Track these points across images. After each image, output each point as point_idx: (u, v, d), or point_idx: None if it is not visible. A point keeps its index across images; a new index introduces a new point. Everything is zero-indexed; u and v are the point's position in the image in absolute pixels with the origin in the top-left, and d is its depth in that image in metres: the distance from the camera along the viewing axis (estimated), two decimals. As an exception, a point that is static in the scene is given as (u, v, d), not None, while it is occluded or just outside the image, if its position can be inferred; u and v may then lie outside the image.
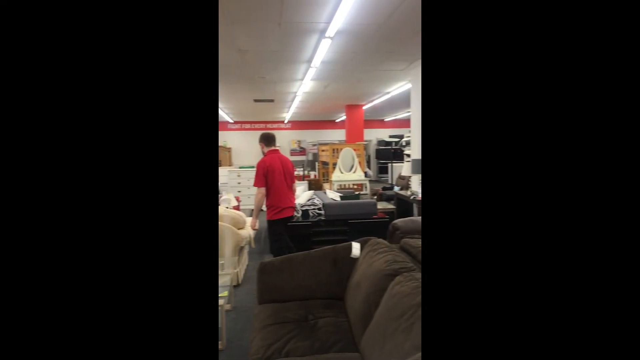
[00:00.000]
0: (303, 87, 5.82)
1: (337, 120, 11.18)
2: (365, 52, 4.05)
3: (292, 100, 7.36)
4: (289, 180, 3.02)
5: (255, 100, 7.23)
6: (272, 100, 7.29)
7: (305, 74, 4.99)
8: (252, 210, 3.11)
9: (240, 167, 7.58)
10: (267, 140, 3.04)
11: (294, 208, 3.14)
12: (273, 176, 2.90)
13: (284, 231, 3.08)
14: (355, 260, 1.99)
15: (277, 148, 3.09)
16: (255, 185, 2.94)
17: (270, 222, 3.02)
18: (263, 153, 3.06)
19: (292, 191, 3.09)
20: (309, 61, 4.35)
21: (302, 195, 4.67)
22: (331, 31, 3.26)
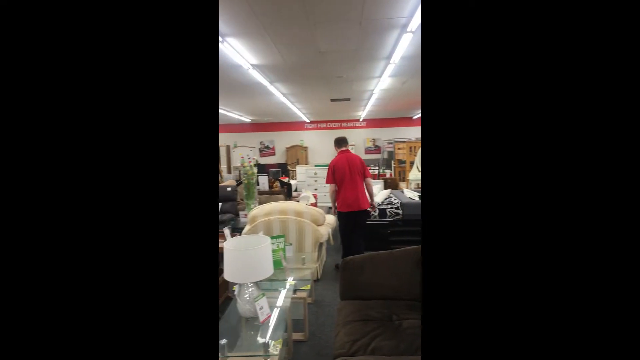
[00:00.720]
0: (380, 84, 5.74)
1: (414, 117, 10.80)
2: (448, 45, 3.84)
3: (369, 99, 7.31)
4: (356, 176, 3.37)
5: (332, 100, 7.34)
6: (348, 99, 7.33)
7: (383, 71, 4.91)
8: (330, 207, 3.70)
9: (316, 166, 7.79)
10: (338, 143, 3.55)
11: (361, 203, 3.39)
12: (338, 173, 3.38)
13: (352, 224, 3.42)
14: (441, 262, 1.91)
15: (347, 149, 3.52)
16: (326, 182, 3.54)
17: (338, 214, 3.51)
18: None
19: (360, 186, 3.40)
20: (388, 57, 4.27)
21: (378, 194, 4.62)
22: (413, 25, 3.16)
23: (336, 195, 3.44)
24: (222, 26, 3.06)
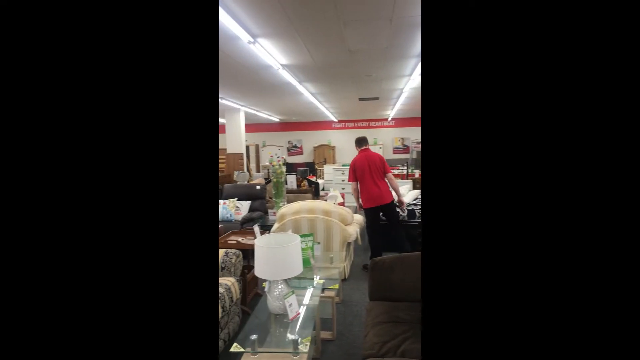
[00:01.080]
0: (410, 82, 5.64)
1: (444, 116, 10.53)
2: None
3: (398, 97, 7.20)
4: (375, 174, 3.52)
5: (360, 99, 7.30)
6: (377, 98, 7.25)
7: (413, 69, 4.83)
8: (356, 207, 3.78)
9: (343, 165, 7.77)
10: (358, 142, 3.71)
11: (385, 197, 3.53)
12: (358, 171, 3.53)
13: (379, 219, 3.56)
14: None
15: (367, 147, 3.68)
16: (348, 180, 3.70)
17: (364, 210, 3.61)
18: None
19: (381, 182, 3.53)
20: (419, 55, 4.19)
21: (407, 194, 4.55)
22: (446, 21, 3.08)
23: (360, 193, 3.58)
24: (254, 27, 3.11)
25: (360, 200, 3.61)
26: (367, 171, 3.49)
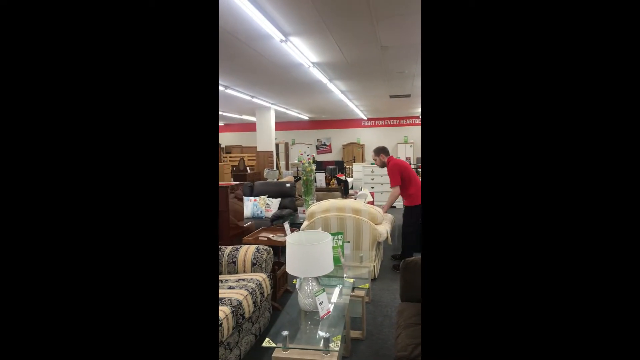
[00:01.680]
0: (444, 79, 5.49)
1: (478, 114, 10.16)
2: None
3: (430, 94, 7.03)
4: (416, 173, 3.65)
5: (391, 96, 7.18)
6: (408, 96, 7.11)
7: (447, 65, 4.69)
8: (384, 209, 3.73)
9: (372, 163, 7.69)
10: (385, 151, 3.77)
11: None
12: (407, 172, 3.55)
13: (418, 219, 3.54)
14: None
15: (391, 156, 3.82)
16: (393, 185, 3.57)
17: (408, 209, 3.57)
18: (383, 162, 3.69)
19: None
20: (454, 51, 4.06)
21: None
22: (484, 15, 2.96)
23: (408, 191, 3.54)
24: (286, 25, 3.13)
25: (402, 199, 3.63)
26: (412, 170, 3.60)
